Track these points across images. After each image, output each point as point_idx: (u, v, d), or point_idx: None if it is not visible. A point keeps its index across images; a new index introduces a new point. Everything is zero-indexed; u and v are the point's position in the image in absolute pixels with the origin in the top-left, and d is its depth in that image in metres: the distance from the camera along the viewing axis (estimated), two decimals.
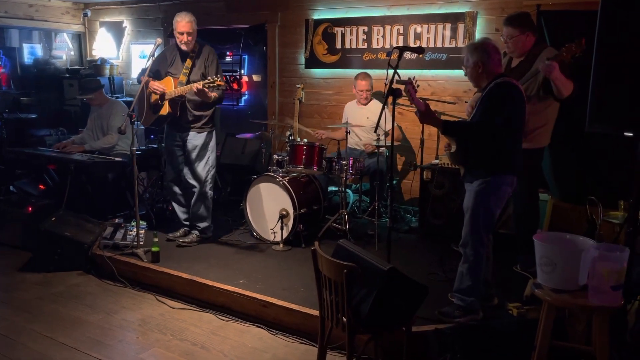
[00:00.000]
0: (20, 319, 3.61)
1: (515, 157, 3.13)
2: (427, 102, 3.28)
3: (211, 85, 4.08)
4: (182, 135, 4.45)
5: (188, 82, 4.27)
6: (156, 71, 4.39)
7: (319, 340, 2.81)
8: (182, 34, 4.27)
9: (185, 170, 4.49)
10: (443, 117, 4.97)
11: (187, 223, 4.70)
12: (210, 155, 4.52)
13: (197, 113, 4.38)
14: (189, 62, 4.32)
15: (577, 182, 4.25)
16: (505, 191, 3.11)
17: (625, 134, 2.07)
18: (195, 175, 4.45)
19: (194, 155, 4.42)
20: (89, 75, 7.16)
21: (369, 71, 5.33)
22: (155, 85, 4.28)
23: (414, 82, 3.27)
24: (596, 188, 3.74)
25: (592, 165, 4.18)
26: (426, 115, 3.17)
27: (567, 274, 2.38)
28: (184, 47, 4.30)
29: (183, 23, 4.25)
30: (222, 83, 4.16)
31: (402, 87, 3.27)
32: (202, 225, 4.60)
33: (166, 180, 4.79)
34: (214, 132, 4.56)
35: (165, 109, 4.33)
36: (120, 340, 3.35)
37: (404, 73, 4.98)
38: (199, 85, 4.09)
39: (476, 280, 3.15)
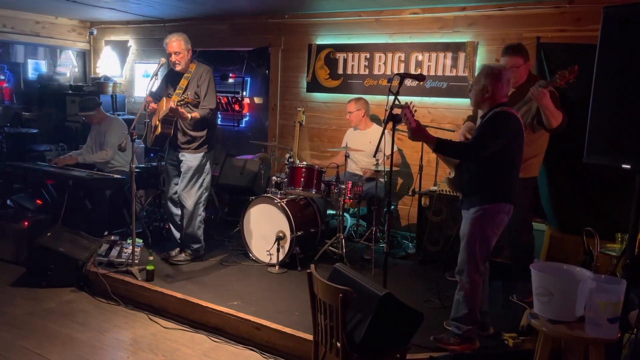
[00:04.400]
0: (9, 334, 3.56)
1: (512, 186, 3.13)
2: (400, 123, 3.26)
3: (181, 103, 4.07)
4: (178, 156, 4.46)
5: None
6: (159, 93, 4.43)
7: None
8: (170, 54, 4.29)
9: (179, 191, 4.48)
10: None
11: (180, 242, 4.67)
12: (205, 178, 4.50)
13: (192, 134, 4.37)
14: (183, 82, 4.32)
15: (574, 213, 4.25)
16: (501, 219, 3.11)
17: (622, 165, 2.08)
18: (188, 196, 4.43)
19: (187, 176, 4.41)
20: (91, 92, 7.22)
21: (369, 97, 5.37)
22: (151, 106, 4.31)
23: (411, 106, 3.27)
24: (593, 219, 3.74)
25: (590, 196, 4.19)
26: (417, 131, 3.15)
27: (564, 304, 2.37)
28: (176, 68, 4.32)
29: (170, 44, 4.27)
30: (191, 99, 4.13)
31: (398, 111, 3.29)
32: (195, 245, 4.59)
33: (164, 198, 4.78)
34: (211, 153, 4.54)
35: (158, 129, 4.36)
36: (110, 359, 3.29)
37: (404, 100, 5.02)
38: (172, 104, 4.08)
39: (472, 308, 3.12)
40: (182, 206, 4.49)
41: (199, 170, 4.44)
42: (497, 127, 3.04)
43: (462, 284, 3.15)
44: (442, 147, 3.19)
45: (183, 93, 4.27)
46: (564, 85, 3.36)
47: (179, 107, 4.06)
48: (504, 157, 3.06)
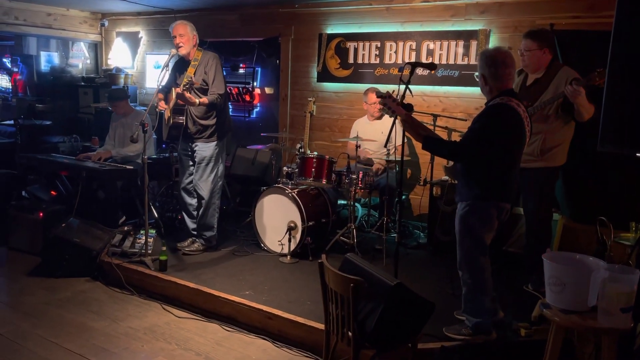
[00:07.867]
0: (26, 323, 3.63)
1: (504, 183, 2.99)
2: (411, 112, 3.09)
3: (186, 87, 4.07)
4: (191, 146, 4.48)
5: None
6: (169, 86, 4.45)
7: (323, 355, 2.79)
8: (174, 37, 4.32)
9: (194, 181, 4.51)
10: (454, 134, 4.97)
11: (195, 232, 4.71)
12: (219, 167, 4.52)
13: (202, 122, 4.38)
14: (190, 70, 4.31)
15: (588, 202, 4.22)
16: (491, 214, 2.99)
17: (637, 154, 2.05)
18: (204, 185, 4.47)
19: (202, 165, 4.44)
20: (104, 84, 7.26)
21: (380, 86, 5.34)
22: (160, 105, 4.33)
23: (392, 94, 3.19)
24: (607, 208, 3.70)
25: (604, 185, 4.15)
26: (407, 125, 3.08)
27: (577, 294, 2.35)
28: (180, 52, 4.33)
29: (176, 27, 4.31)
30: (198, 83, 4.16)
31: (379, 100, 3.20)
32: (208, 234, 4.62)
33: (177, 189, 4.81)
34: (224, 143, 4.56)
35: (171, 120, 4.39)
36: (125, 348, 3.34)
37: (416, 89, 5.01)
38: (178, 89, 4.09)
39: (478, 302, 3.09)
40: (198, 195, 4.52)
41: (212, 159, 4.46)
42: (490, 124, 2.91)
43: (464, 281, 3.13)
44: (430, 146, 3.07)
45: None
46: (602, 85, 3.31)
47: (185, 92, 4.08)
48: (498, 153, 2.93)
